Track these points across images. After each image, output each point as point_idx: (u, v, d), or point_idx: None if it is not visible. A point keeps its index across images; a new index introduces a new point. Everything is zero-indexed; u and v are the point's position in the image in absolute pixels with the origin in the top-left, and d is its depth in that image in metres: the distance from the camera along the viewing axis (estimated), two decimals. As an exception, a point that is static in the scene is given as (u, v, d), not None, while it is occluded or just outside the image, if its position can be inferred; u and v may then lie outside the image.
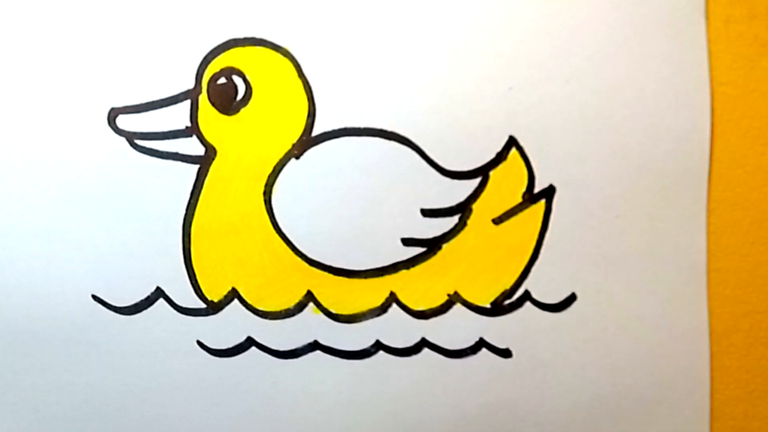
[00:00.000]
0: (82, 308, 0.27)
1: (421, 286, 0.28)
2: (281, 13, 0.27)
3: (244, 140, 0.27)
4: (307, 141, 0.27)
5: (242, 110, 0.27)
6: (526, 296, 0.29)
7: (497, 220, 0.28)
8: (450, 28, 0.27)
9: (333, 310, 0.28)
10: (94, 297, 0.27)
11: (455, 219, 0.28)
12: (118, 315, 0.28)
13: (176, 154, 0.27)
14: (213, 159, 0.27)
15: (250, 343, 0.28)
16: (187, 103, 0.27)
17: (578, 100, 0.27)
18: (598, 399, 0.29)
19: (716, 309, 0.29)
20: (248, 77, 0.27)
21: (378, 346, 0.28)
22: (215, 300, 0.28)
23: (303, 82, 0.27)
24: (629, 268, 0.29)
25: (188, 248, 0.27)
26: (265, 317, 0.28)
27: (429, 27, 0.27)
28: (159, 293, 0.28)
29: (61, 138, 0.26)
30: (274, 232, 0.27)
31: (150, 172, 0.27)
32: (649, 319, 0.29)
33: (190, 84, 0.27)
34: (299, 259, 0.28)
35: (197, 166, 0.27)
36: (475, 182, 0.28)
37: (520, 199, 0.28)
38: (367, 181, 0.27)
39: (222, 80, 0.27)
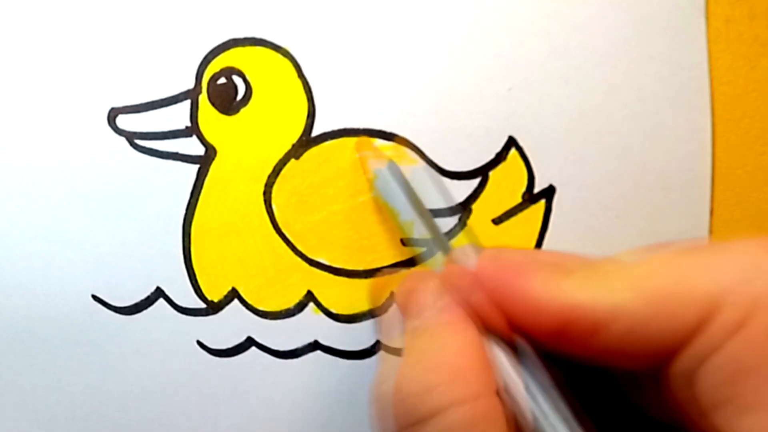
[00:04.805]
0: (82, 308, 0.27)
1: (422, 287, 0.28)
2: (281, 13, 0.27)
3: (244, 140, 0.27)
4: (306, 141, 0.27)
5: (242, 110, 0.27)
6: (527, 296, 0.29)
7: (497, 221, 0.28)
8: (449, 29, 0.27)
9: (333, 310, 0.28)
10: (94, 297, 0.27)
11: (455, 219, 0.28)
12: (118, 315, 0.28)
13: (176, 154, 0.27)
14: (213, 159, 0.27)
15: (250, 343, 0.28)
16: (187, 103, 0.27)
17: (578, 101, 0.27)
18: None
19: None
20: (248, 77, 0.27)
21: (379, 346, 0.28)
22: (215, 300, 0.28)
23: (303, 83, 0.27)
24: (629, 268, 0.29)
25: (188, 248, 0.27)
26: (265, 317, 0.28)
27: (428, 27, 0.27)
28: (159, 293, 0.28)
29: (61, 138, 0.26)
30: (274, 232, 0.27)
31: (150, 172, 0.27)
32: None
33: (190, 84, 0.27)
34: (299, 259, 0.28)
35: (197, 166, 0.27)
36: (475, 182, 0.28)
37: (519, 200, 0.28)
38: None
39: (222, 80, 0.27)
